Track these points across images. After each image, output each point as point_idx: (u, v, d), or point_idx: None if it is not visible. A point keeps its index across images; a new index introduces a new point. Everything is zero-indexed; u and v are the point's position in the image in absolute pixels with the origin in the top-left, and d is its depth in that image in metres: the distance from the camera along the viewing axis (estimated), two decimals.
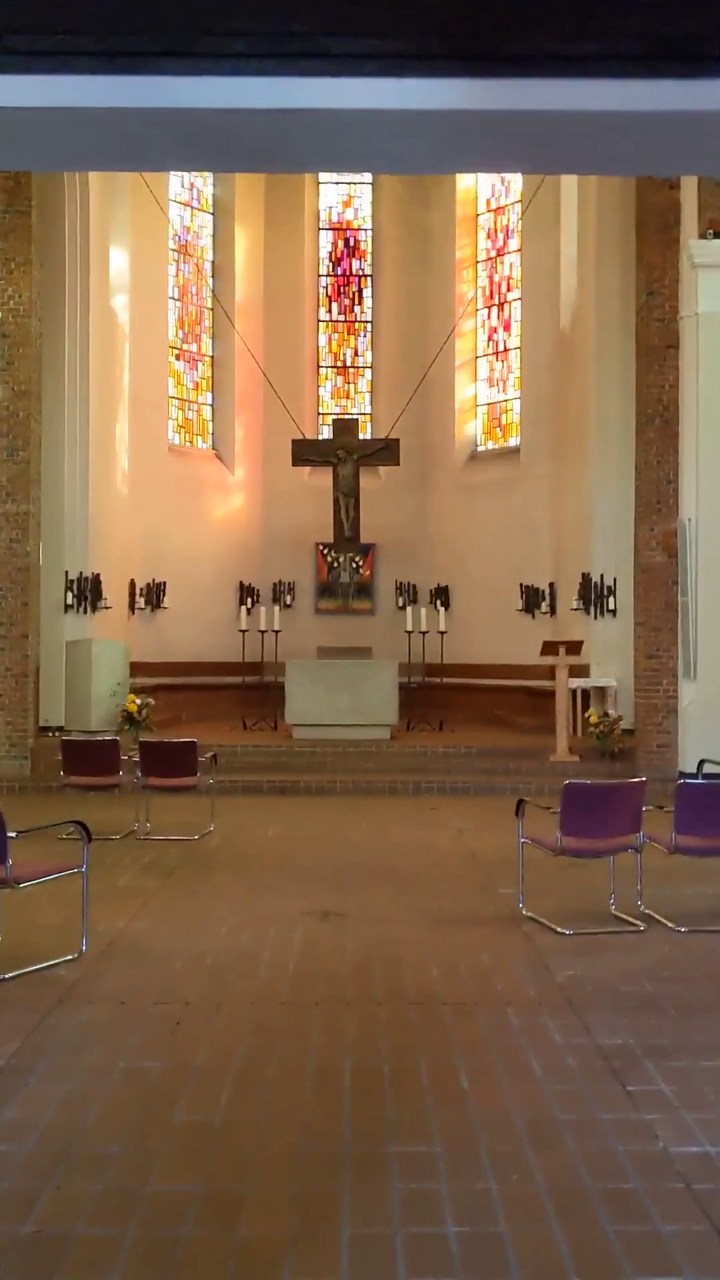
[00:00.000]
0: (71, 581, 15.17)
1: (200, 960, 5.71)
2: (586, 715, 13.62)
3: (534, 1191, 3.31)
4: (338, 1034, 4.66)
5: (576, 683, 13.99)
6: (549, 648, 13.54)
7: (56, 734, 13.77)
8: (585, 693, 14.72)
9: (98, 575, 15.53)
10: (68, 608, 15.10)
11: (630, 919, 6.46)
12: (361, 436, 18.62)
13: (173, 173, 19.14)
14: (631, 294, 14.37)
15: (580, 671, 14.27)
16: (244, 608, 17.29)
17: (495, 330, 19.85)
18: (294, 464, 17.82)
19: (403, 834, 9.74)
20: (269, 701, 16.19)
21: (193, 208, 19.78)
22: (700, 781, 6.60)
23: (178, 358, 19.51)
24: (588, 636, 14.62)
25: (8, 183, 12.57)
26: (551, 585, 17.76)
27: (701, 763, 9.56)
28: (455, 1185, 3.35)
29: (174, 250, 19.35)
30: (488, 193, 19.86)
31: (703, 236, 11.98)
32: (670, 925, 6.35)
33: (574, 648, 13.41)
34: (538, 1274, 2.89)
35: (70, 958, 5.73)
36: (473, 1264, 2.94)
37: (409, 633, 16.43)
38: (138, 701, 13.14)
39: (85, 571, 15.34)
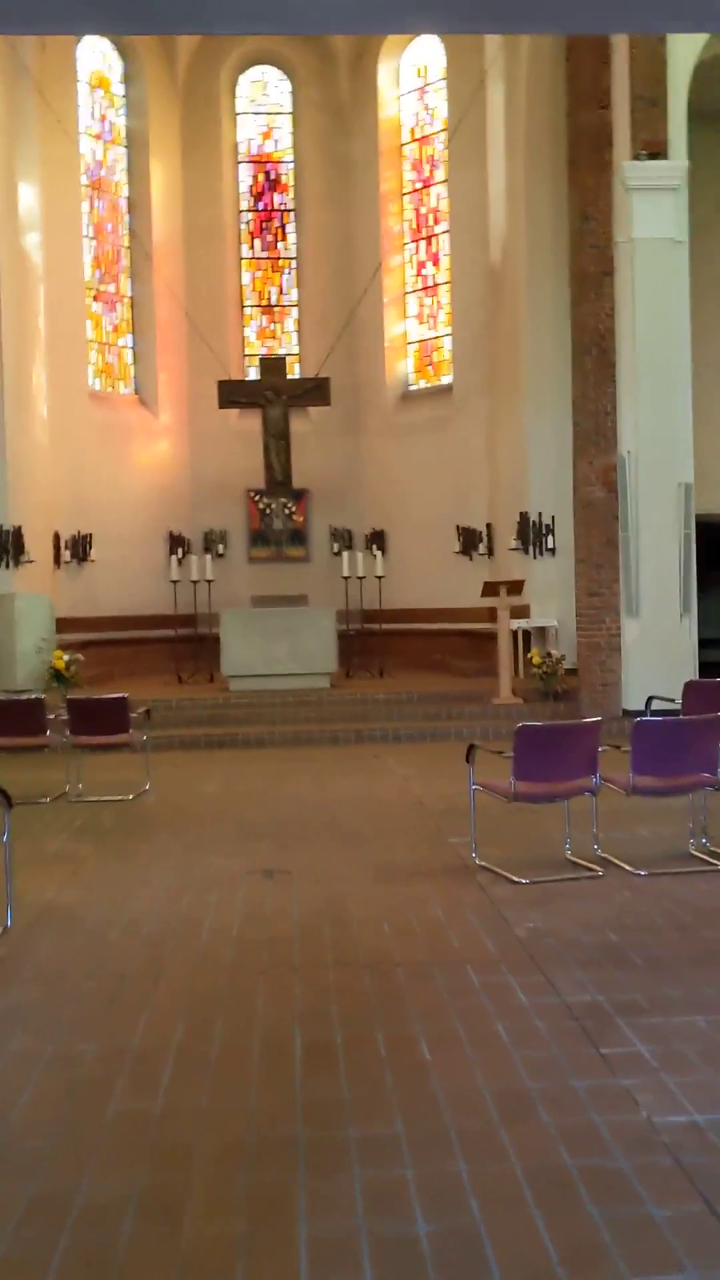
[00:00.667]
0: None
1: (137, 929, 5.33)
2: (529, 656, 13.39)
3: (509, 1173, 3.01)
4: (286, 1003, 4.32)
5: (517, 624, 13.75)
6: (489, 589, 13.25)
7: None
8: (526, 634, 14.50)
9: (19, 528, 14.88)
10: None
11: (587, 864, 6.21)
12: (290, 376, 18.06)
13: (81, 102, 18.22)
14: (562, 222, 13.95)
15: (521, 612, 14.02)
16: (174, 558, 16.74)
17: (424, 265, 19.32)
18: (221, 406, 17.24)
19: (346, 785, 9.43)
20: (203, 654, 15.75)
21: (105, 140, 18.87)
22: (657, 720, 6.34)
23: (95, 299, 18.70)
24: (528, 576, 14.36)
25: None
26: (489, 526, 17.46)
27: (650, 699, 9.34)
28: (422, 1171, 3.04)
29: (87, 186, 18.46)
30: (411, 121, 19.21)
31: (635, 158, 11.58)
32: (629, 869, 6.10)
33: (515, 588, 13.14)
34: (519, 1269, 2.60)
35: None
36: (446, 1262, 2.64)
37: (346, 579, 16.03)
38: (65, 658, 12.62)
39: (5, 524, 14.68)
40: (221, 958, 4.88)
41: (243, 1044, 3.95)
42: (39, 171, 17.01)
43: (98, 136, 18.75)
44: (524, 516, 15.31)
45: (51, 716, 9.01)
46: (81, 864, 6.72)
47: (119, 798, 8.81)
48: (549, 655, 12.97)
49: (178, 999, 4.41)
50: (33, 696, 9.00)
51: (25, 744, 8.83)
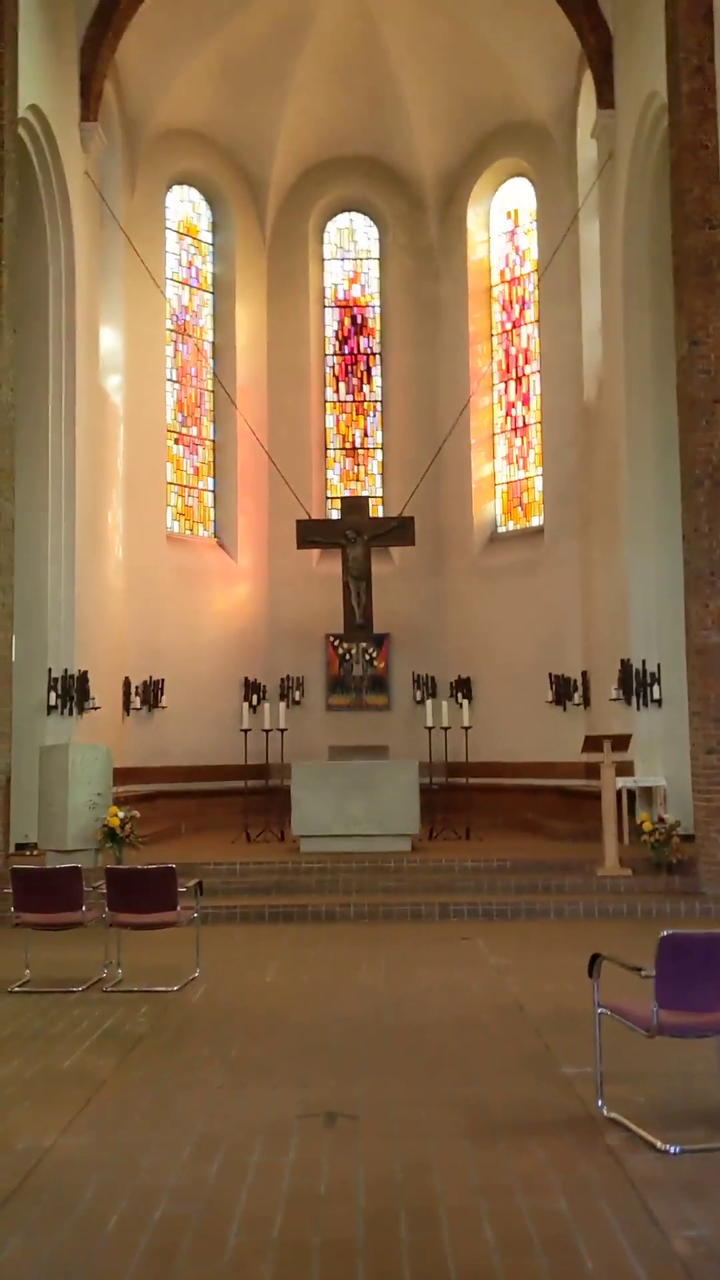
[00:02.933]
0: (55, 680, 13.65)
1: (146, 1210, 3.92)
2: (638, 821, 11.85)
3: None
4: None
5: (621, 782, 12.24)
6: (592, 743, 11.88)
7: (32, 852, 12.13)
8: (630, 794, 12.99)
9: (84, 673, 14.02)
10: (50, 709, 13.57)
11: None
12: (372, 516, 17.27)
13: (169, 249, 18.20)
14: (664, 352, 13.04)
15: (624, 770, 12.54)
16: (248, 705, 15.70)
17: (513, 406, 18.61)
18: (299, 546, 16.46)
19: (429, 977, 7.94)
20: (274, 808, 14.53)
21: (191, 286, 18.79)
22: None
23: (177, 442, 18.31)
24: (631, 729, 12.94)
25: None
26: (584, 674, 16.16)
27: None
28: None
29: (171, 330, 18.30)
30: (501, 263, 18.81)
31: None
32: None
33: (621, 743, 11.73)
34: None
35: None
36: None
37: (429, 729, 14.76)
38: (120, 814, 11.45)
39: (70, 669, 13.83)
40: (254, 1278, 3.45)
41: None
42: (124, 316, 16.87)
43: (184, 283, 18.68)
44: (625, 664, 13.98)
45: (90, 888, 7.80)
46: (98, 1089, 5.35)
47: (163, 988, 7.46)
48: (661, 820, 11.43)
49: None
50: (67, 866, 7.79)
51: (55, 921, 7.59)
